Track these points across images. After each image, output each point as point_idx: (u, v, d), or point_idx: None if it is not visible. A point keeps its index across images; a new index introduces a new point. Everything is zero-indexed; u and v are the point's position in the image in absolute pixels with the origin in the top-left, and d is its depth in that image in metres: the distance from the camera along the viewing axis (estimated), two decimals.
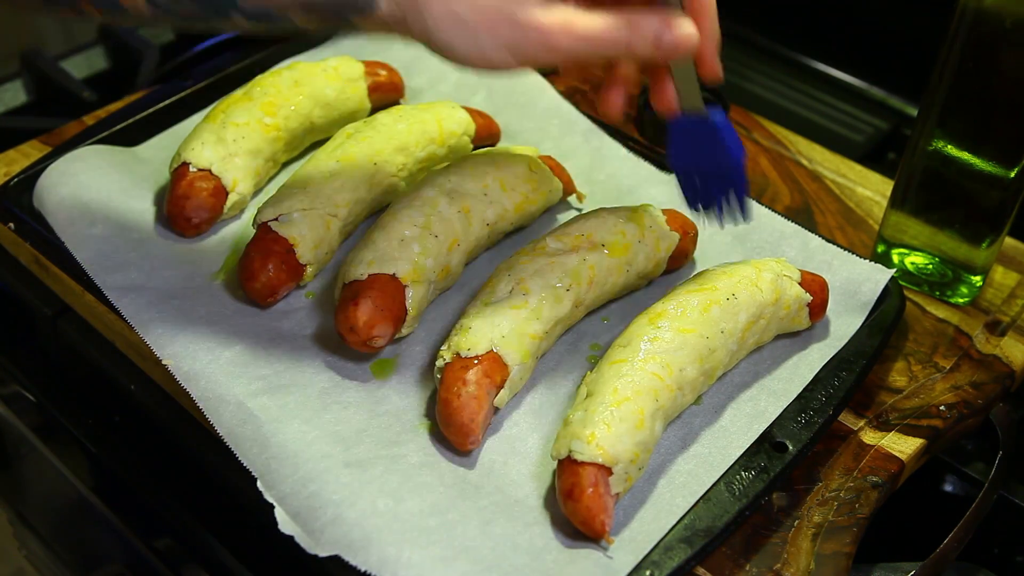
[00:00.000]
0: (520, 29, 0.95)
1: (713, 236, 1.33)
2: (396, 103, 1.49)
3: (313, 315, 1.22)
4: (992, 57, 1.14)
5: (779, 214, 1.34)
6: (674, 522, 1.02)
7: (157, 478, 1.19)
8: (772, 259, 1.21)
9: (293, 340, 1.18)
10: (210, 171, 1.28)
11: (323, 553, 0.96)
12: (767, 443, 1.09)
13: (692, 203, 1.18)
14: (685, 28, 0.98)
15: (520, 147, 1.35)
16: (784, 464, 1.07)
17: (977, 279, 1.30)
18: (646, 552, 1.00)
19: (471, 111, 1.42)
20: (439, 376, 1.10)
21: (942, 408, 1.19)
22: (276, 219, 1.21)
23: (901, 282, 1.29)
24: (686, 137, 1.11)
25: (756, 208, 1.34)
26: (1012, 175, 1.20)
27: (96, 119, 1.48)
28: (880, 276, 1.25)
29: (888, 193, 1.31)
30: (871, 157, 1.67)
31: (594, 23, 0.96)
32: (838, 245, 1.30)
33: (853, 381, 1.15)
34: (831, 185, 1.47)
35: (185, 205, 1.26)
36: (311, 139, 1.42)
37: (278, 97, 1.36)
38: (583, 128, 1.47)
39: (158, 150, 1.40)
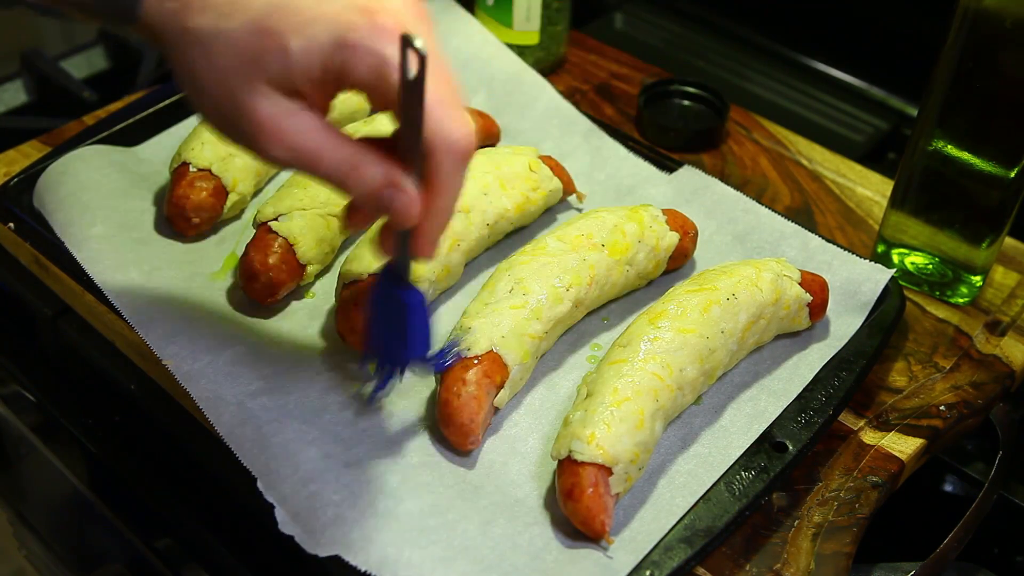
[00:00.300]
0: (236, 112, 0.85)
1: (713, 236, 1.33)
2: None
3: (313, 315, 1.22)
4: (992, 57, 1.14)
5: (779, 214, 1.34)
6: (674, 522, 1.02)
7: (157, 478, 1.19)
8: (772, 259, 1.21)
9: (293, 340, 1.18)
10: (210, 171, 1.28)
11: (323, 553, 0.96)
12: (767, 443, 1.09)
13: (377, 353, 1.08)
14: (404, 200, 0.87)
15: (520, 147, 1.35)
16: (784, 464, 1.07)
17: (977, 279, 1.30)
18: (646, 552, 1.00)
19: (471, 111, 1.42)
20: (439, 376, 1.10)
21: (942, 408, 1.19)
22: (276, 219, 1.21)
23: (901, 282, 1.29)
24: (384, 293, 1.02)
25: (756, 208, 1.34)
26: (1012, 175, 1.20)
27: (96, 119, 1.48)
28: (880, 276, 1.25)
29: (888, 193, 1.31)
30: (871, 157, 1.67)
31: (317, 143, 0.86)
32: (838, 245, 1.30)
33: (853, 381, 1.15)
34: (831, 185, 1.47)
35: (185, 205, 1.26)
36: None
37: None
38: (583, 128, 1.47)
39: (158, 150, 1.40)
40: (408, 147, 0.87)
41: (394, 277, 0.99)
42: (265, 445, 1.05)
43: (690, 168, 1.40)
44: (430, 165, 0.87)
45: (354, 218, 0.96)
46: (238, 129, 0.87)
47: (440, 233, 0.92)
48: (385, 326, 1.03)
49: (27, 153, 1.43)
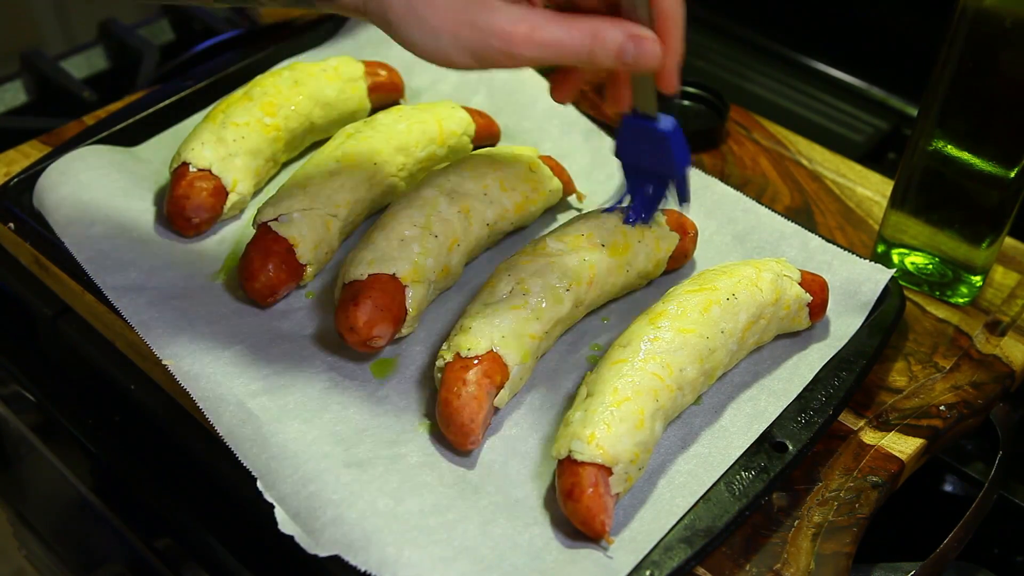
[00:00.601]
0: (481, 34, 0.94)
1: (713, 236, 1.33)
2: (396, 103, 1.49)
3: (313, 315, 1.22)
4: (992, 57, 1.14)
5: (779, 214, 1.34)
6: (674, 522, 1.02)
7: (157, 478, 1.19)
8: (772, 259, 1.21)
9: (293, 340, 1.18)
10: (210, 171, 1.28)
11: (323, 553, 0.96)
12: (767, 443, 1.09)
13: (631, 191, 1.20)
14: (649, 45, 0.97)
15: (520, 147, 1.35)
16: (784, 464, 1.07)
17: (977, 279, 1.30)
18: (646, 552, 1.00)
19: (471, 111, 1.42)
20: (439, 376, 1.10)
21: (942, 408, 1.19)
22: (276, 219, 1.21)
23: (901, 282, 1.29)
24: (635, 135, 1.13)
25: (756, 208, 1.34)
26: (1012, 175, 1.20)
27: (96, 119, 1.48)
28: (880, 276, 1.25)
29: (888, 193, 1.31)
30: (871, 157, 1.67)
31: (557, 31, 0.95)
32: (838, 245, 1.30)
33: (853, 381, 1.15)
34: (831, 185, 1.47)
35: (185, 205, 1.26)
36: (311, 139, 1.42)
37: (278, 97, 1.36)
38: (583, 128, 1.47)
39: (158, 150, 1.40)
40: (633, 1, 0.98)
41: (640, 118, 1.10)
42: (265, 445, 1.05)
43: (690, 168, 1.40)
44: (657, 6, 0.99)
45: (562, 83, 1.12)
46: (488, 49, 0.94)
47: (678, 65, 1.03)
48: (644, 162, 1.15)
49: (27, 153, 1.43)
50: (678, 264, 1.28)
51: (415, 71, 1.54)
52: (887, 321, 1.21)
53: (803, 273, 1.22)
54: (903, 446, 1.15)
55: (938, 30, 1.16)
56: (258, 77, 1.40)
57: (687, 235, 1.27)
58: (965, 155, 1.21)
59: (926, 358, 1.25)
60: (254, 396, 1.09)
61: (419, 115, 1.36)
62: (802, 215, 1.41)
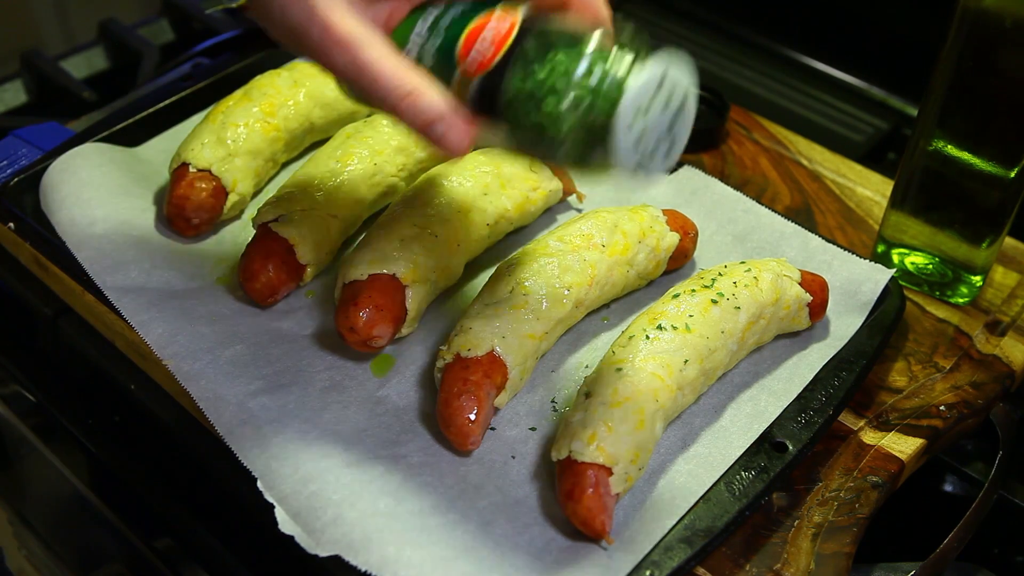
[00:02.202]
0: (308, 20, 0.88)
1: (713, 236, 1.33)
2: None
3: (313, 315, 1.22)
4: (992, 57, 1.14)
5: (779, 214, 1.34)
6: (674, 522, 1.02)
7: (157, 478, 1.19)
8: (772, 259, 1.21)
9: (293, 340, 1.18)
10: (210, 171, 1.28)
11: (323, 553, 0.96)
12: (767, 443, 1.09)
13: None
14: (457, 136, 0.90)
15: None
16: (784, 464, 1.07)
17: (977, 279, 1.30)
18: (646, 552, 1.00)
19: None
20: (439, 376, 1.10)
21: (942, 408, 1.19)
22: (276, 219, 1.21)
23: (901, 282, 1.29)
24: None
25: (756, 208, 1.34)
26: (1012, 175, 1.20)
27: (96, 119, 1.48)
28: (880, 276, 1.25)
29: (888, 193, 1.31)
30: (871, 157, 1.67)
31: (383, 62, 0.89)
32: (838, 245, 1.30)
33: (853, 381, 1.15)
34: (831, 185, 1.47)
35: (185, 205, 1.26)
36: (311, 139, 1.42)
37: (278, 97, 1.36)
38: None
39: (158, 150, 1.40)
40: None
41: None
42: (265, 445, 1.05)
43: (690, 168, 1.40)
44: None
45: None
46: (307, 38, 0.89)
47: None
48: None
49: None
50: (678, 264, 1.28)
51: None
52: (887, 321, 1.21)
53: (803, 273, 1.22)
54: (903, 446, 1.15)
55: (938, 30, 1.16)
56: (258, 77, 1.40)
57: (687, 235, 1.27)
58: (965, 155, 1.21)
59: (926, 358, 1.25)
60: (254, 396, 1.09)
61: None
62: (802, 215, 1.41)
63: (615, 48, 0.89)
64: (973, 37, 1.13)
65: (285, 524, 0.98)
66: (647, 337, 1.09)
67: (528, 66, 0.89)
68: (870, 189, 1.46)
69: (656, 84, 0.88)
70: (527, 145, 0.93)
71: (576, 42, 0.89)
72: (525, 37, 0.90)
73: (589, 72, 0.88)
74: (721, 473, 1.07)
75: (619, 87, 0.87)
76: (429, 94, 0.90)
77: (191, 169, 1.28)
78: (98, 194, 1.29)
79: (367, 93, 0.91)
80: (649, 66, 0.88)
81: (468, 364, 1.08)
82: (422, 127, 0.91)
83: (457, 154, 0.92)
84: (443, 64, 0.93)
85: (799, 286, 1.19)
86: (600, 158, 0.90)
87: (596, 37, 0.89)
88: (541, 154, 0.94)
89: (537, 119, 0.89)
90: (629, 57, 0.88)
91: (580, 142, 0.89)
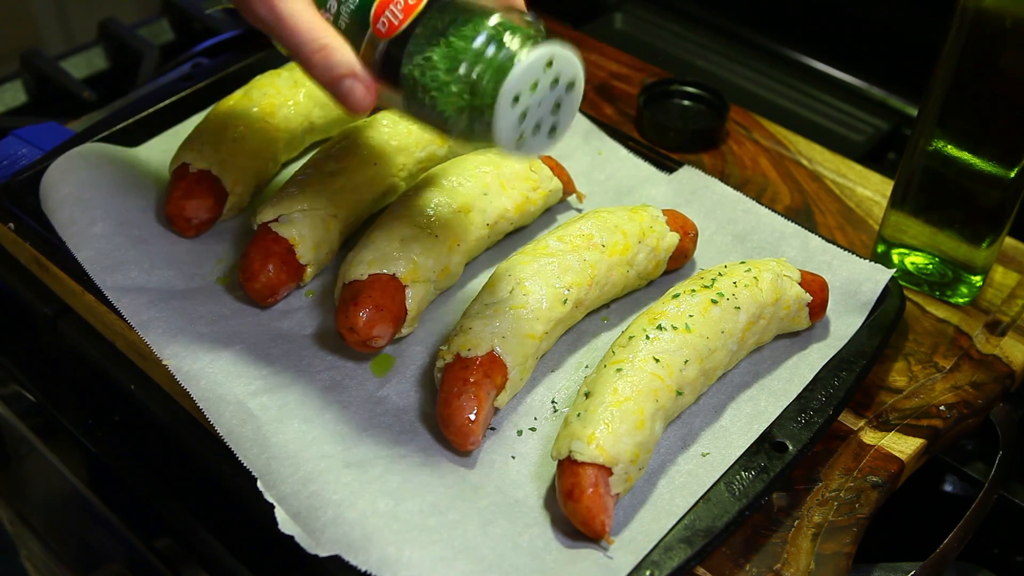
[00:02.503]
0: None
1: (713, 236, 1.33)
2: None
3: (313, 315, 1.22)
4: (992, 57, 1.14)
5: (779, 214, 1.34)
6: (674, 522, 1.02)
7: (157, 478, 1.19)
8: (772, 259, 1.21)
9: (293, 340, 1.18)
10: (210, 171, 1.28)
11: (323, 553, 0.96)
12: (767, 443, 1.09)
13: None
14: (361, 93, 0.96)
15: None
16: (784, 464, 1.07)
17: (977, 279, 1.30)
18: (646, 552, 1.00)
19: None
20: (439, 376, 1.10)
21: (942, 408, 1.19)
22: (276, 219, 1.21)
23: (901, 282, 1.29)
24: None
25: (756, 208, 1.34)
26: (1012, 175, 1.20)
27: (96, 119, 1.48)
28: (880, 276, 1.25)
29: (888, 193, 1.31)
30: (871, 157, 1.67)
31: (302, 16, 0.95)
32: (838, 245, 1.30)
33: (853, 381, 1.15)
34: (831, 185, 1.47)
35: (185, 206, 1.26)
36: (311, 139, 1.42)
37: (278, 97, 1.36)
38: (583, 128, 1.47)
39: (158, 150, 1.40)
40: None
41: None
42: (265, 445, 1.05)
43: (690, 168, 1.40)
44: None
45: None
46: None
47: None
48: None
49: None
50: (678, 264, 1.28)
51: None
52: (887, 321, 1.21)
53: (803, 273, 1.22)
54: (903, 446, 1.15)
55: (938, 30, 1.16)
56: (257, 77, 1.40)
57: (687, 235, 1.27)
58: (965, 155, 1.21)
59: (926, 358, 1.25)
60: (254, 396, 1.09)
61: None
62: (802, 215, 1.41)
63: (512, 29, 0.95)
64: (973, 37, 1.13)
65: (285, 524, 0.98)
66: (647, 337, 1.09)
67: (430, 36, 0.95)
68: (870, 189, 1.46)
69: (544, 63, 0.95)
70: (420, 113, 0.99)
71: (479, 18, 0.95)
72: (432, 8, 0.96)
73: (484, 46, 0.94)
74: (721, 473, 1.07)
75: (510, 60, 0.93)
76: (341, 51, 0.95)
77: (191, 169, 1.28)
78: (98, 194, 1.29)
79: (283, 43, 0.97)
80: (541, 47, 0.94)
81: (468, 364, 1.08)
82: (330, 82, 0.96)
83: (358, 112, 0.97)
84: (357, 25, 0.98)
85: (799, 286, 1.19)
86: (485, 130, 0.96)
87: (497, 17, 0.95)
88: (432, 122, 0.99)
89: (431, 86, 0.95)
90: (523, 38, 0.95)
91: (467, 112, 0.95)
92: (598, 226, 1.21)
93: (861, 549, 1.07)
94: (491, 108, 0.93)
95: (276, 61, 1.52)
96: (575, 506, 0.99)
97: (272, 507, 1.00)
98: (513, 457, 1.09)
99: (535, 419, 1.13)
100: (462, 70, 0.93)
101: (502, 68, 0.93)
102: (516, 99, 0.94)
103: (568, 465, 1.01)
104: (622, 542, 1.01)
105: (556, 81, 0.96)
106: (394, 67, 0.96)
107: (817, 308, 1.21)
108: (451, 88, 0.94)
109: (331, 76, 0.95)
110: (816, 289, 1.21)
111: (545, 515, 1.04)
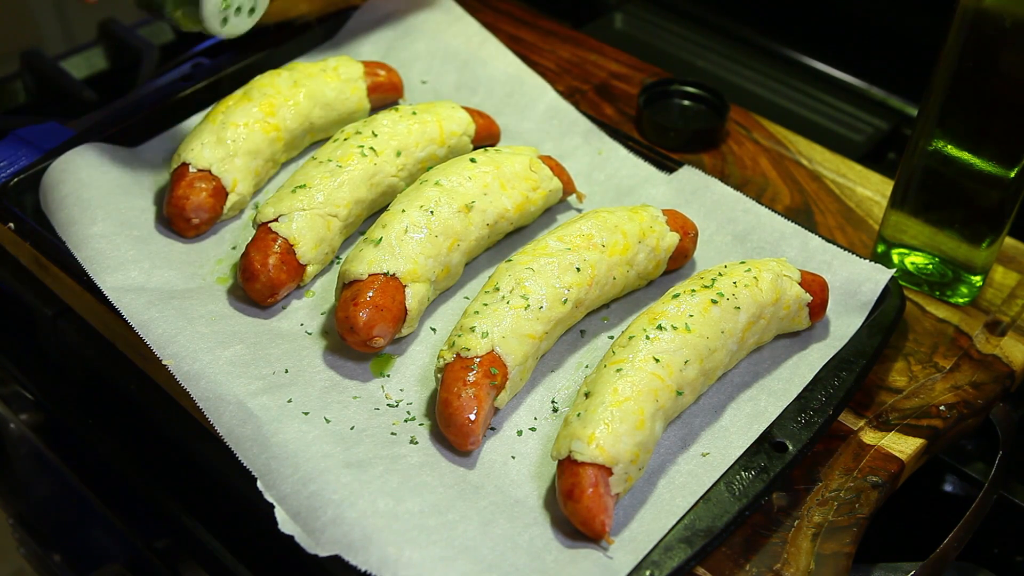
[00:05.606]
0: None
1: (713, 236, 1.33)
2: (396, 103, 1.49)
3: (313, 315, 1.22)
4: (992, 57, 1.14)
5: (779, 214, 1.34)
6: (674, 522, 1.02)
7: (157, 478, 1.19)
8: (772, 259, 1.21)
9: (293, 340, 1.18)
10: (210, 171, 1.28)
11: (323, 553, 0.96)
12: (767, 443, 1.09)
13: None
14: None
15: (520, 147, 1.35)
16: (784, 464, 1.07)
17: (977, 279, 1.30)
18: (646, 552, 1.00)
19: (471, 111, 1.42)
20: (439, 376, 1.10)
21: (942, 408, 1.19)
22: (276, 219, 1.21)
23: (901, 282, 1.29)
24: None
25: (756, 208, 1.34)
26: (1012, 175, 1.20)
27: (96, 119, 1.48)
28: (880, 276, 1.25)
29: (888, 193, 1.31)
30: (871, 157, 1.67)
31: None
32: (838, 245, 1.30)
33: (853, 381, 1.15)
34: (831, 185, 1.47)
35: (185, 205, 1.26)
36: (311, 139, 1.42)
37: (278, 97, 1.36)
38: (583, 128, 1.47)
39: (158, 150, 1.40)
40: None
41: None
42: (265, 445, 1.05)
43: (690, 168, 1.40)
44: None
45: None
46: None
47: None
48: None
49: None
50: (678, 264, 1.28)
51: (415, 71, 1.54)
52: (887, 321, 1.21)
53: (803, 273, 1.22)
54: (903, 446, 1.15)
55: (938, 30, 1.16)
56: (257, 77, 1.40)
57: (687, 235, 1.27)
58: (965, 155, 1.21)
59: (926, 358, 1.25)
60: (254, 396, 1.09)
61: (419, 115, 1.36)
62: (802, 215, 1.41)
63: None
64: (973, 37, 1.13)
65: (285, 524, 0.98)
66: (647, 337, 1.09)
67: None
68: (870, 189, 1.46)
69: None
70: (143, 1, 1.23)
71: None
72: None
73: None
74: (721, 473, 1.07)
75: None
76: None
77: (191, 169, 1.28)
78: (98, 194, 1.29)
79: None
80: None
81: (468, 364, 1.08)
82: None
83: None
84: None
85: (799, 286, 1.19)
86: (195, 13, 1.22)
87: None
88: (153, 6, 1.23)
89: None
90: None
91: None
92: (598, 226, 1.21)
93: (861, 549, 1.07)
94: None
95: (276, 61, 1.52)
96: (575, 506, 0.99)
97: (272, 507, 1.00)
98: (513, 457, 1.09)
99: (535, 419, 1.13)
100: None
101: None
102: None
103: (568, 465, 1.01)
104: (622, 542, 1.01)
105: None
106: None
107: (817, 308, 1.21)
108: None
109: None
110: (816, 289, 1.21)
111: (545, 515, 1.04)
